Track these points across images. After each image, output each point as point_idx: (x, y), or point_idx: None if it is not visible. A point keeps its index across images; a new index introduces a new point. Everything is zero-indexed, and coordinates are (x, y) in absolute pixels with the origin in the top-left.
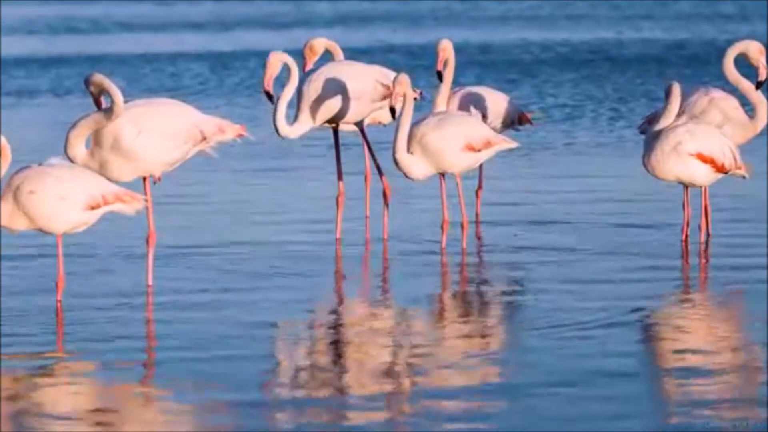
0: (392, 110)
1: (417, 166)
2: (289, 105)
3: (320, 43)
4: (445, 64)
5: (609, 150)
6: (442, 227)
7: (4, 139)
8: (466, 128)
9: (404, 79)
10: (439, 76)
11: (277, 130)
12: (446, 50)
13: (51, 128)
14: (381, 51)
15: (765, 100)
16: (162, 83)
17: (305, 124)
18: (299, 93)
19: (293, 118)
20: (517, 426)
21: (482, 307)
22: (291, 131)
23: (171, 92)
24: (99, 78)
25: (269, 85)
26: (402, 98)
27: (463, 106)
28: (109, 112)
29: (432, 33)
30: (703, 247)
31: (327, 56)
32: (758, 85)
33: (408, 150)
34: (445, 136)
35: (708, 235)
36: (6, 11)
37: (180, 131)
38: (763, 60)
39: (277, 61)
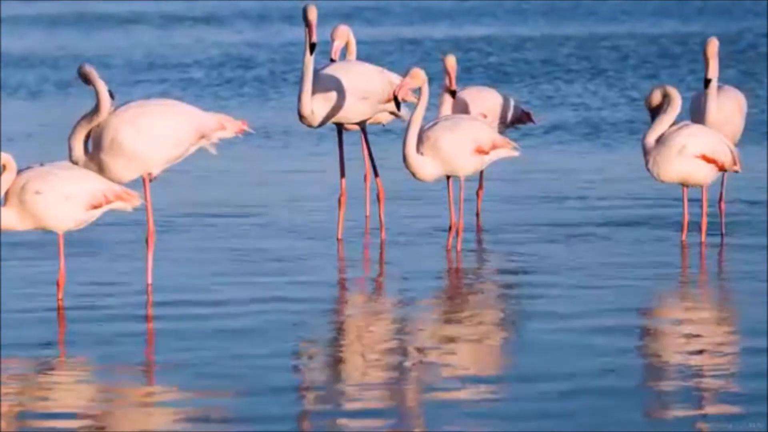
0: (397, 102)
1: (427, 167)
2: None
3: (345, 32)
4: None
5: (611, 147)
6: (449, 229)
7: (7, 155)
8: (476, 131)
9: (420, 73)
10: (453, 94)
11: (300, 110)
12: (455, 66)
13: (53, 125)
14: (392, 47)
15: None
16: (172, 80)
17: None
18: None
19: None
20: (515, 425)
21: (483, 307)
22: (311, 114)
23: (180, 89)
24: (87, 70)
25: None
26: (409, 93)
27: (464, 106)
28: (95, 109)
29: (437, 29)
30: (703, 246)
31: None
32: (706, 82)
33: (417, 151)
34: (457, 139)
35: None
36: (9, 7)
37: (179, 130)
38: (712, 61)
39: (314, 16)
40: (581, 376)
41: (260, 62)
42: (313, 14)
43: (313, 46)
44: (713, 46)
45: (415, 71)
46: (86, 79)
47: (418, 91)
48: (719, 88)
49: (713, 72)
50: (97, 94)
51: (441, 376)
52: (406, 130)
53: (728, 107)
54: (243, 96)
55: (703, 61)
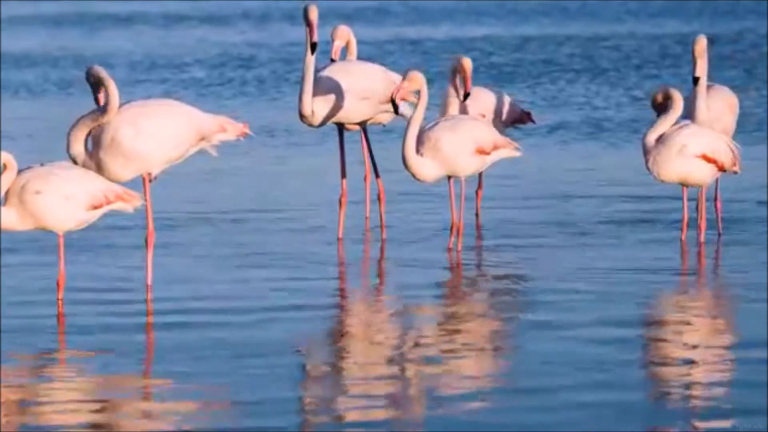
0: (395, 105)
1: (427, 168)
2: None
3: (346, 32)
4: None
5: (614, 147)
6: (450, 229)
7: (7, 154)
8: (477, 131)
9: (418, 76)
10: (467, 96)
11: (301, 110)
12: (471, 68)
13: (53, 125)
14: (393, 47)
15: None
16: (173, 80)
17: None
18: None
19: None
20: (513, 426)
21: (483, 311)
22: (312, 114)
23: (181, 89)
24: (97, 70)
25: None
26: (408, 95)
27: (463, 107)
28: (104, 108)
29: (440, 29)
30: (702, 246)
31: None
32: (695, 80)
33: (417, 152)
34: (458, 139)
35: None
36: (9, 7)
37: (179, 131)
38: (700, 60)
39: (315, 16)
40: (581, 386)
41: (262, 62)
42: (313, 14)
43: (314, 46)
44: (701, 44)
45: (412, 74)
46: (96, 81)
47: (417, 92)
48: (710, 87)
49: (701, 70)
50: (107, 95)
51: (441, 384)
52: (406, 131)
53: (717, 106)
54: (244, 96)
55: (691, 59)
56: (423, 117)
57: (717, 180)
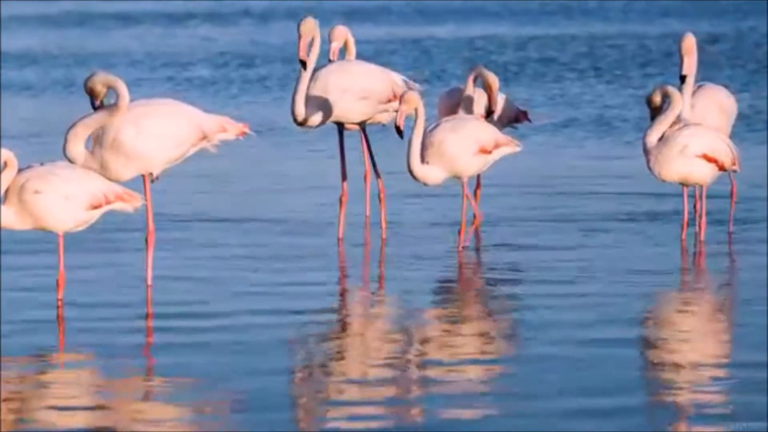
0: (398, 130)
1: (433, 174)
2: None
3: (343, 33)
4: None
5: (618, 146)
6: (472, 224)
7: (8, 152)
8: (478, 131)
9: (414, 97)
10: (490, 113)
11: (293, 115)
12: (498, 86)
13: (54, 125)
14: (395, 46)
15: (679, 95)
16: (176, 78)
17: (318, 116)
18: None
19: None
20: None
21: (482, 307)
22: (305, 117)
23: (184, 88)
24: (103, 75)
25: (303, 52)
26: (407, 115)
27: (458, 107)
28: (113, 108)
29: (441, 28)
30: (702, 246)
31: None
32: (681, 79)
33: (422, 160)
34: (461, 140)
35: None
36: (10, 6)
37: (180, 131)
38: (687, 58)
39: (309, 30)
40: (583, 392)
41: (264, 61)
42: (305, 30)
43: (303, 64)
44: (689, 42)
45: (408, 96)
46: (105, 86)
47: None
48: (700, 86)
49: (688, 68)
50: (118, 95)
51: (442, 389)
52: (409, 145)
53: (702, 105)
54: (246, 94)
55: (678, 57)
56: (423, 129)
57: (732, 179)
